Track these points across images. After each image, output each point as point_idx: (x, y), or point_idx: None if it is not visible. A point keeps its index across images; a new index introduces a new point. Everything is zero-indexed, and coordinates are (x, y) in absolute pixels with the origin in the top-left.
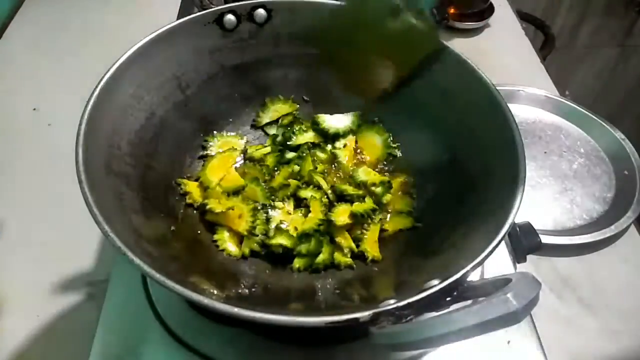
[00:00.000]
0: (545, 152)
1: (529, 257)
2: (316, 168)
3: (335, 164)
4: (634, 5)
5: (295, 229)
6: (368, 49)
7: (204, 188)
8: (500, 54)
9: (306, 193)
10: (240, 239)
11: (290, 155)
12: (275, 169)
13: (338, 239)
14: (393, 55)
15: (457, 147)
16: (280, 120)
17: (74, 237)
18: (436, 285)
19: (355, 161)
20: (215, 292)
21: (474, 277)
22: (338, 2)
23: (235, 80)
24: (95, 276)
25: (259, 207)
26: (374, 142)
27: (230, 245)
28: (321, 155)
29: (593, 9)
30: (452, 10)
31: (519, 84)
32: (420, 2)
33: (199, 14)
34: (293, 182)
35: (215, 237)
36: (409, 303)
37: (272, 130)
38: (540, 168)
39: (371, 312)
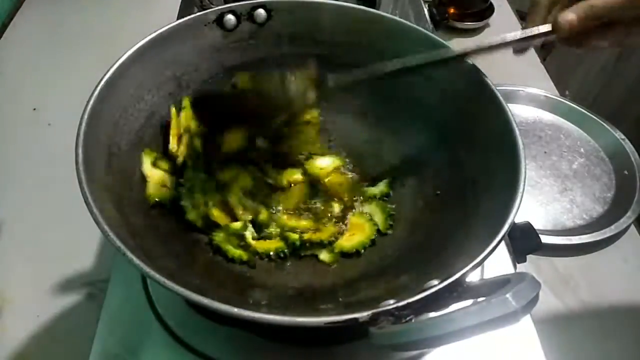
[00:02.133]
0: (545, 152)
1: (529, 257)
2: None
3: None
4: None
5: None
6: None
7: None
8: (500, 54)
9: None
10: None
11: None
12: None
13: None
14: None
15: (457, 147)
16: None
17: (74, 237)
18: (436, 285)
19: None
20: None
21: (474, 277)
22: (338, 2)
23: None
24: (95, 276)
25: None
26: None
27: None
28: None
29: None
30: (452, 10)
31: (519, 84)
32: None
33: (199, 14)
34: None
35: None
36: (408, 303)
37: None
38: (540, 168)
39: (370, 312)
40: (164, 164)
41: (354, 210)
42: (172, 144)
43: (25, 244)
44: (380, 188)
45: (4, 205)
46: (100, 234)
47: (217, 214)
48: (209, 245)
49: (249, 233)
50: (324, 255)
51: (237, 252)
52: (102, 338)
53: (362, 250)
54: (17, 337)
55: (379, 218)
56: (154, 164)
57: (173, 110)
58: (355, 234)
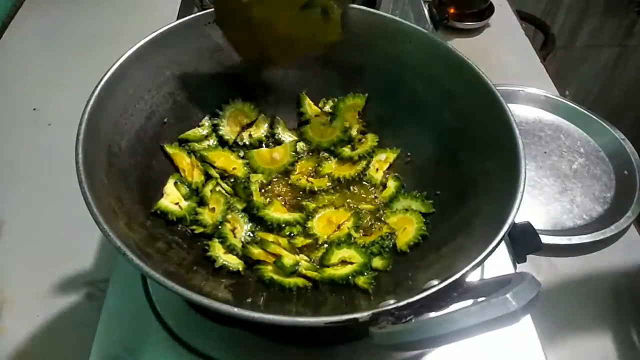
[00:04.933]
0: (545, 152)
1: (529, 257)
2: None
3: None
4: (634, 5)
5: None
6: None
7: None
8: (500, 54)
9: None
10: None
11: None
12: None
13: None
14: (297, 36)
15: (457, 147)
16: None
17: (74, 237)
18: (436, 285)
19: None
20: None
21: (474, 277)
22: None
23: (235, 81)
24: (95, 276)
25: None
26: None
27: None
28: None
29: (593, 9)
30: (452, 10)
31: (519, 84)
32: None
33: (199, 14)
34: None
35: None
36: (408, 303)
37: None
38: (540, 168)
39: (370, 312)
40: (183, 189)
41: (385, 213)
42: (184, 174)
43: (25, 244)
44: (391, 188)
45: (4, 205)
46: (100, 234)
47: (257, 252)
48: (260, 283)
49: (303, 264)
50: (376, 263)
51: (292, 281)
52: (102, 338)
53: (428, 234)
54: (17, 337)
55: (417, 206)
56: (175, 185)
57: (167, 149)
58: (407, 228)
